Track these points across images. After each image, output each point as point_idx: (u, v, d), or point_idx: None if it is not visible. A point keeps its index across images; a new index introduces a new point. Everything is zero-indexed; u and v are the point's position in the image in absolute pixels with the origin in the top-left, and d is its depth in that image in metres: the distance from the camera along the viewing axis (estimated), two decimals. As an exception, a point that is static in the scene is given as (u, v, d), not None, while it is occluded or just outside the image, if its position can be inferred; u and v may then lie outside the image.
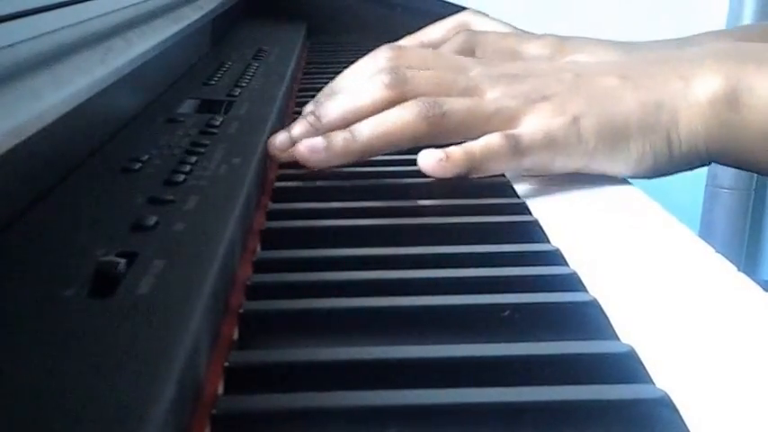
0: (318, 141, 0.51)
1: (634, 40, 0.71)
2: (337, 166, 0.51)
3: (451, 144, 0.50)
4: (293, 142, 0.52)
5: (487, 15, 0.80)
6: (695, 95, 0.49)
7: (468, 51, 0.72)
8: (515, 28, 0.80)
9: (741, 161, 0.51)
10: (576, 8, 1.67)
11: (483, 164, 0.49)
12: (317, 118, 0.53)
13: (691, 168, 0.51)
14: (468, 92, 0.52)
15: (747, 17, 1.63)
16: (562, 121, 0.49)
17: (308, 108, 0.57)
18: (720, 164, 0.52)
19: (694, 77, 0.50)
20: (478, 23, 0.80)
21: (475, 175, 0.50)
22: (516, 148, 0.49)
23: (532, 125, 0.50)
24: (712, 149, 0.50)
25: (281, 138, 0.53)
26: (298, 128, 0.53)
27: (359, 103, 0.52)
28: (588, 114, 0.50)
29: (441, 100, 0.50)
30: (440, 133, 0.50)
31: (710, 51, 0.52)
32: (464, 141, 0.50)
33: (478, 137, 0.50)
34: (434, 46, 0.78)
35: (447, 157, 0.49)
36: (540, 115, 0.50)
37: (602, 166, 0.50)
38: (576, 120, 0.49)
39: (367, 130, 0.50)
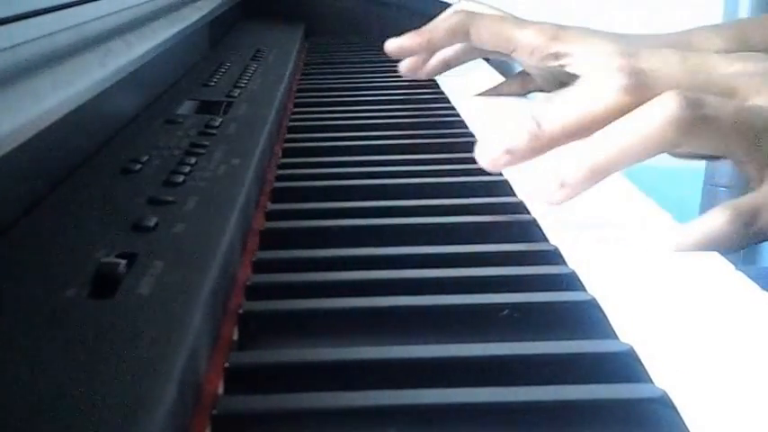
0: (552, 184, 0.41)
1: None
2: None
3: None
4: (508, 153, 0.43)
5: (484, 4, 0.80)
6: None
7: (462, 32, 0.71)
8: (514, 17, 0.80)
9: None
10: (574, 5, 1.67)
11: (703, 246, 0.39)
12: (538, 126, 0.42)
13: None
14: (727, 94, 0.41)
15: (743, 11, 1.62)
16: None
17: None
18: None
19: None
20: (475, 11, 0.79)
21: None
22: (747, 225, 0.39)
23: None
24: None
25: (493, 149, 0.44)
26: (514, 138, 0.43)
27: (589, 112, 0.41)
28: None
29: (699, 98, 0.39)
30: (692, 142, 0.39)
31: None
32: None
33: (744, 152, 0.40)
34: (437, 42, 0.77)
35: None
36: None
37: None
38: None
39: (604, 148, 0.40)
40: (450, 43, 0.73)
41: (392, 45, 0.75)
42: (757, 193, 0.40)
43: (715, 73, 0.43)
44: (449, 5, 1.16)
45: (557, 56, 0.67)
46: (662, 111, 0.39)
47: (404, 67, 0.79)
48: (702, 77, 0.42)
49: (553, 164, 0.42)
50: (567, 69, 0.67)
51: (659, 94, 0.40)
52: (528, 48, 0.68)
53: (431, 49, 0.75)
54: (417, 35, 0.73)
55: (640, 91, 0.41)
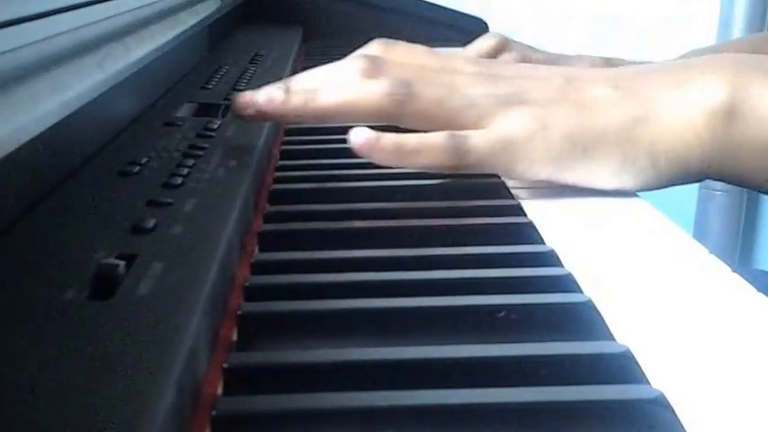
0: (277, 92, 0.49)
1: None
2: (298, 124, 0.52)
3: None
4: (257, 101, 0.50)
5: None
6: (691, 106, 0.46)
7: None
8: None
9: (735, 176, 0.47)
10: (570, 30, 1.67)
11: (414, 157, 0.47)
12: (286, 84, 0.51)
13: (684, 183, 0.48)
14: (446, 86, 0.49)
15: (737, 30, 1.62)
16: (529, 128, 0.47)
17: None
18: (714, 179, 0.48)
19: (692, 87, 0.47)
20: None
21: (408, 168, 0.48)
22: (459, 149, 0.47)
23: (495, 129, 0.47)
24: (706, 165, 0.47)
25: (245, 96, 0.50)
26: (264, 89, 0.51)
27: (329, 79, 0.50)
28: (561, 123, 0.47)
29: (411, 83, 0.48)
30: (401, 116, 0.48)
31: (713, 60, 0.48)
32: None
33: (441, 130, 0.47)
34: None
35: (377, 139, 0.47)
36: (510, 118, 0.47)
37: (573, 176, 0.48)
38: (546, 127, 0.47)
39: (328, 93, 0.49)
40: None
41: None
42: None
43: (447, 72, 0.50)
44: (443, 9, 1.16)
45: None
46: (378, 84, 0.48)
47: None
48: (433, 73, 0.50)
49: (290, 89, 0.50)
50: None
51: (390, 76, 0.49)
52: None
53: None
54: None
55: (375, 73, 0.49)
